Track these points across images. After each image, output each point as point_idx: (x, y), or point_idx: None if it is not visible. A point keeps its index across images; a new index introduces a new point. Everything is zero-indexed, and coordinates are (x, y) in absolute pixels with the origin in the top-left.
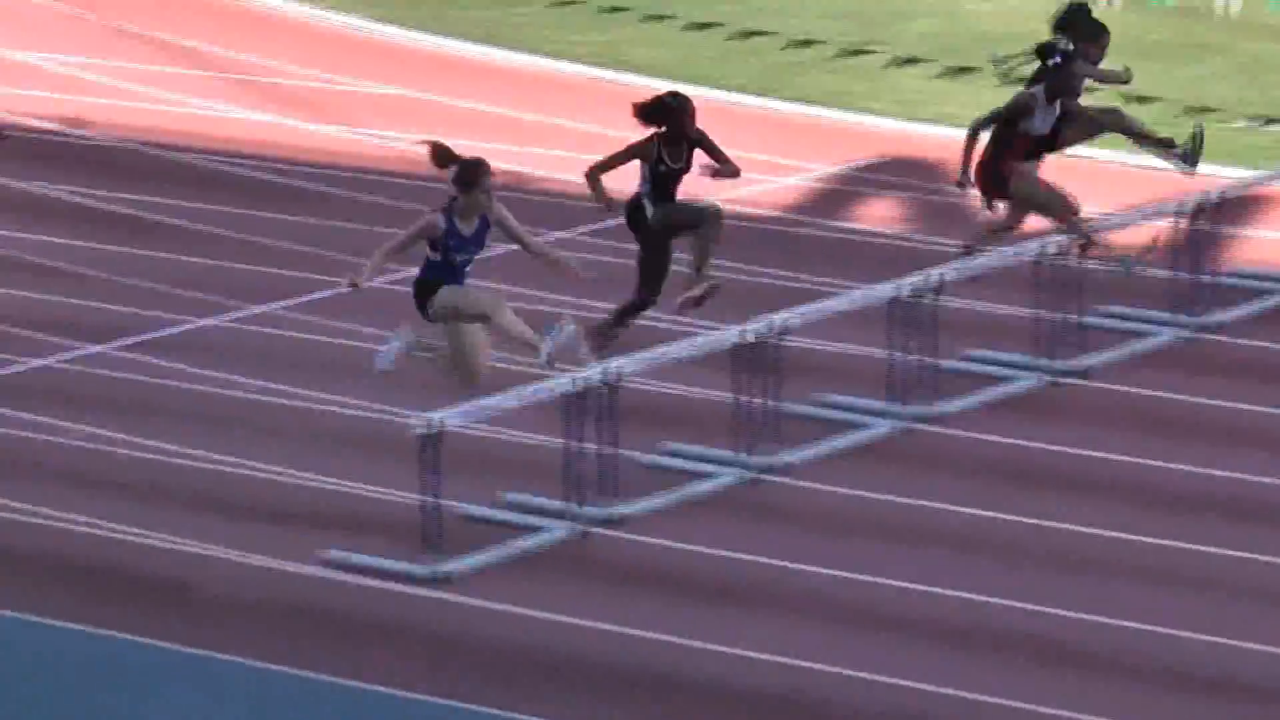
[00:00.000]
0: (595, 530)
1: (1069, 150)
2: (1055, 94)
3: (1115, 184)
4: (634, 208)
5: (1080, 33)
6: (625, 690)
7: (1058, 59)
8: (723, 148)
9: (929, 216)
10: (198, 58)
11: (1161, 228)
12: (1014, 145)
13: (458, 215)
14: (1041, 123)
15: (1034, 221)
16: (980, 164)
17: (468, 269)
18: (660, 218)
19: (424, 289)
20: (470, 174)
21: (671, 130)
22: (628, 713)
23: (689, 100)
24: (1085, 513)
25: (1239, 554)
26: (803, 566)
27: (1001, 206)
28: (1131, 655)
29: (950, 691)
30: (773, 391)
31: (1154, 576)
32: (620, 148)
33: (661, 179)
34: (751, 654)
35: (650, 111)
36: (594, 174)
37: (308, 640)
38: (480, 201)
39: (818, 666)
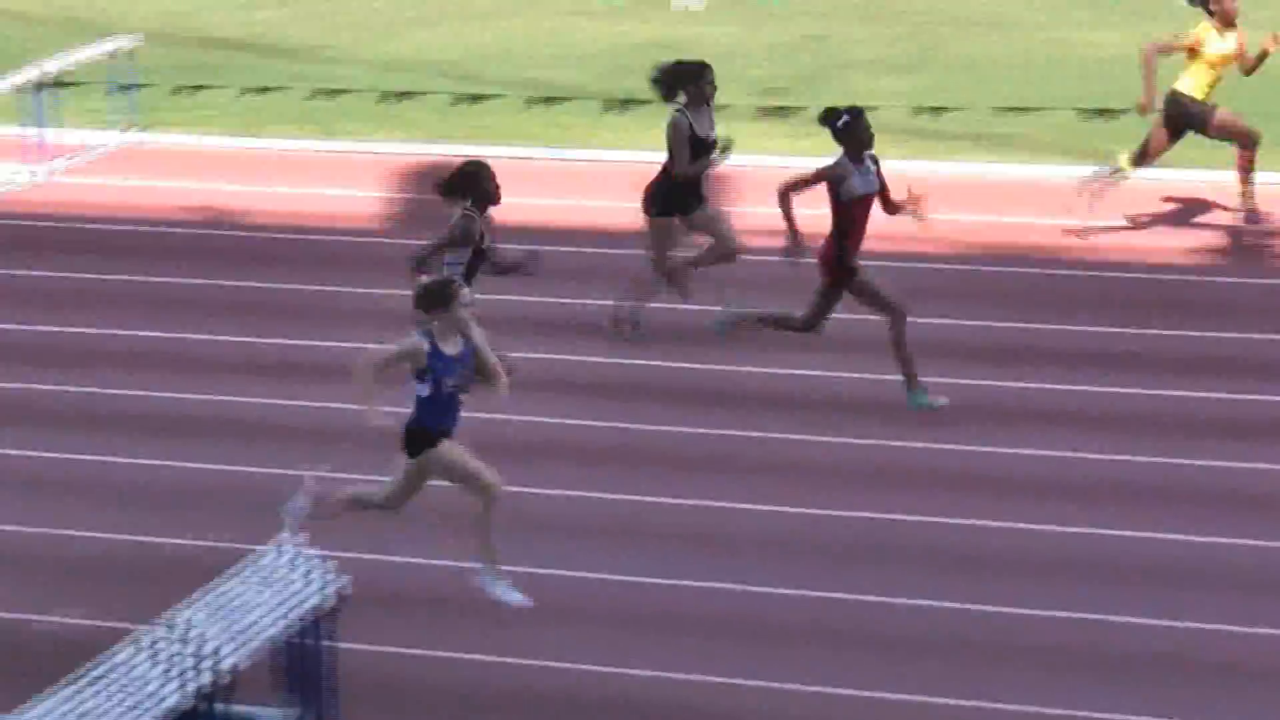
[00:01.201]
0: None
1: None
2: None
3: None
4: None
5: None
6: None
7: (846, 119)
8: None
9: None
10: None
11: None
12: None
13: (438, 337)
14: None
15: None
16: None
17: (460, 400)
18: None
19: (424, 439)
20: (447, 293)
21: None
22: None
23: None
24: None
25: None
26: None
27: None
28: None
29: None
30: None
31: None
32: None
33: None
34: None
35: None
36: None
37: None
38: (461, 319)
39: None
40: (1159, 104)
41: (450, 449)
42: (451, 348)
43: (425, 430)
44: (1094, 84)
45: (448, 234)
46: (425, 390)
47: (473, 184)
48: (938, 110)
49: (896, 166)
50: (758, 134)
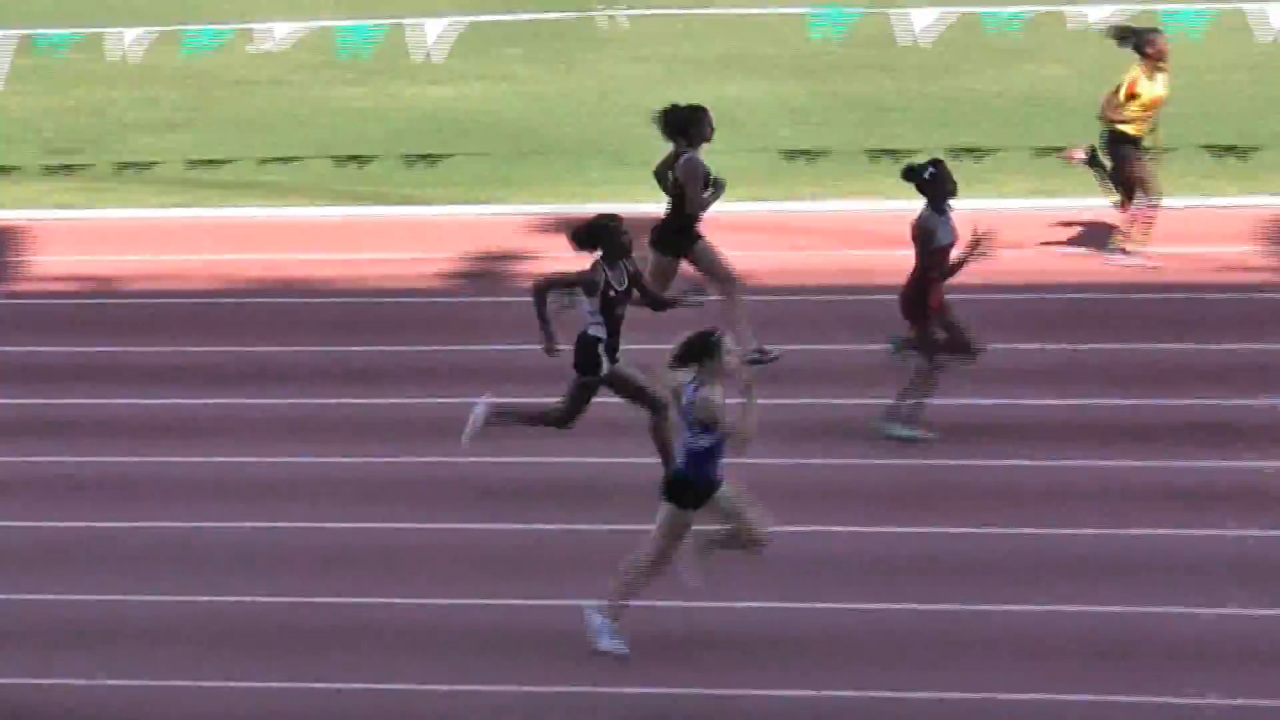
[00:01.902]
0: None
1: None
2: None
3: None
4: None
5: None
6: None
7: (932, 170)
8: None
9: None
10: None
11: None
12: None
13: (703, 387)
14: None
15: None
16: None
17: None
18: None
19: (701, 490)
20: (708, 345)
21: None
22: None
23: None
24: None
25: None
26: None
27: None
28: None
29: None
30: None
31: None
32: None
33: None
34: None
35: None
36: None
37: None
38: (728, 366)
39: None
40: (1083, 149)
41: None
42: (718, 396)
43: (707, 482)
44: (345, 135)
45: (575, 277)
46: (709, 441)
47: (604, 237)
48: (212, 163)
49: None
50: (50, 190)
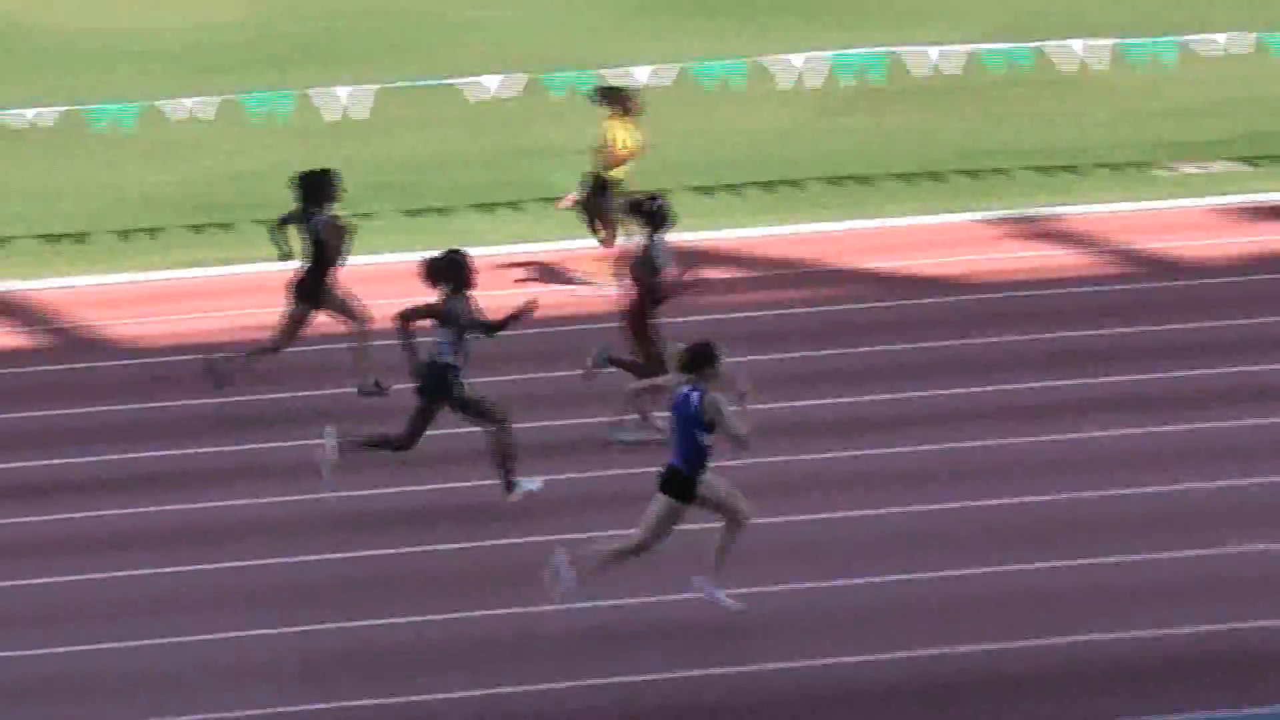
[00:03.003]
0: None
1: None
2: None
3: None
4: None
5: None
6: None
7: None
8: None
9: None
10: None
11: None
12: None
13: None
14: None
15: None
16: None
17: None
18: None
19: (691, 484)
20: (709, 354)
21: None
22: None
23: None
24: None
25: None
26: None
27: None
28: None
29: None
30: None
31: None
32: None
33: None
34: None
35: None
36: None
37: None
38: (724, 374)
39: None
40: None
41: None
42: (723, 401)
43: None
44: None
45: (433, 308)
46: (708, 441)
47: (455, 271)
48: None
49: None
50: None
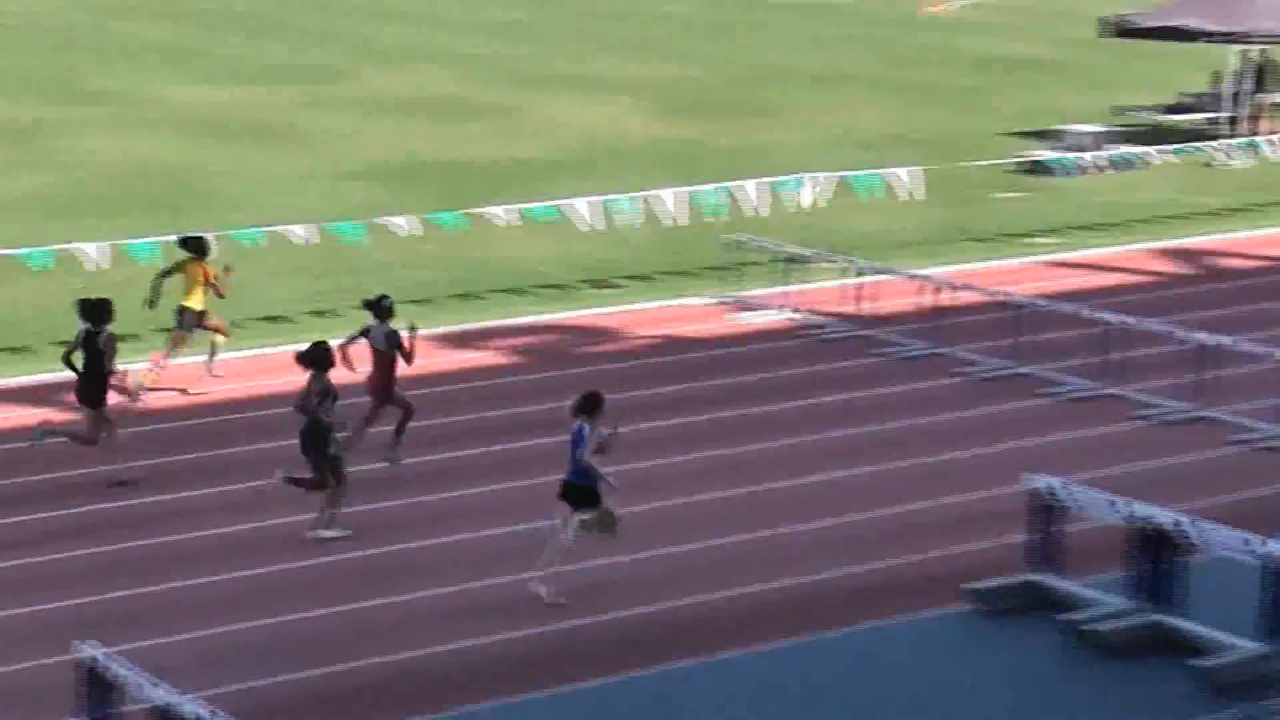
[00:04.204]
0: None
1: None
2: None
3: None
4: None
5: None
6: None
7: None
8: None
9: None
10: None
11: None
12: None
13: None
14: None
15: None
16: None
17: None
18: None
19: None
20: (598, 400)
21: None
22: None
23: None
24: None
25: None
26: None
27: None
28: None
29: None
30: None
31: None
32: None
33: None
34: None
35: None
36: None
37: None
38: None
39: None
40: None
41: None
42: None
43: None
44: None
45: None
46: (594, 462)
47: (322, 357)
48: None
49: None
50: None
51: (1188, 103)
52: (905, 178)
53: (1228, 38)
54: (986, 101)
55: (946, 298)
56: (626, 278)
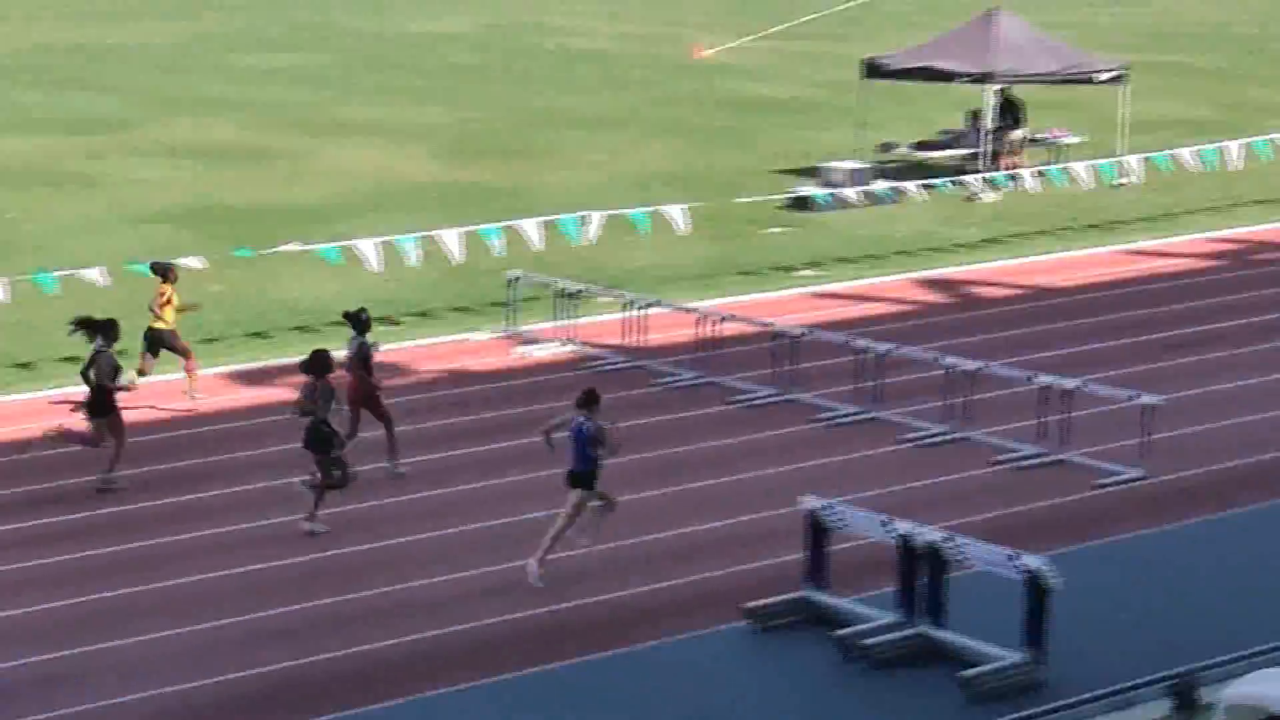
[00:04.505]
0: None
1: None
2: None
3: None
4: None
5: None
6: None
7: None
8: None
9: None
10: None
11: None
12: None
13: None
14: None
15: None
16: None
17: None
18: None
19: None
20: (595, 396)
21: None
22: None
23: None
24: None
25: None
26: None
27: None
28: None
29: None
30: None
31: None
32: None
33: None
34: None
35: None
36: None
37: None
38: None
39: None
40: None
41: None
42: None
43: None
44: None
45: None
46: (594, 452)
47: (323, 364)
48: None
49: None
50: None
51: (943, 140)
52: (677, 214)
53: (976, 78)
54: (753, 141)
55: (717, 329)
56: (412, 315)
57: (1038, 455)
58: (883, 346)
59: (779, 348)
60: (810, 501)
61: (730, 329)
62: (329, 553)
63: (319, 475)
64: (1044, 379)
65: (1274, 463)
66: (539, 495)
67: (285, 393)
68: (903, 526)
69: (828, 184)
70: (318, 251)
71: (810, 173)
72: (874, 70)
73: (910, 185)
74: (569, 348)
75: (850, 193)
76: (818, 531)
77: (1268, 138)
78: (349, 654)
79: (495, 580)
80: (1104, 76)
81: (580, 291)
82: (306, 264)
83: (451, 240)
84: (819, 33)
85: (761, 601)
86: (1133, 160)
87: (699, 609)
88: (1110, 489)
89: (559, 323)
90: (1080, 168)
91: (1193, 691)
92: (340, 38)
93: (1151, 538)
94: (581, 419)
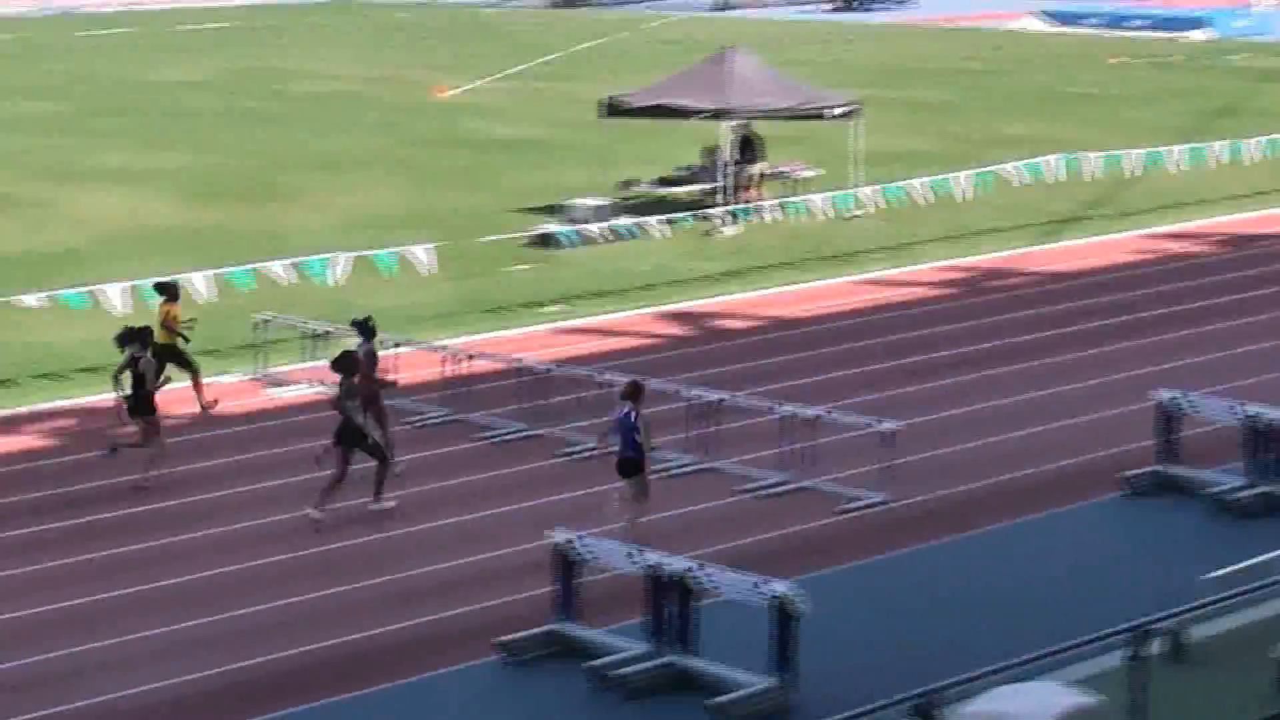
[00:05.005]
0: None
1: None
2: None
3: None
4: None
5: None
6: None
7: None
8: None
9: None
10: None
11: None
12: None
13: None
14: None
15: None
16: None
17: None
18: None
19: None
20: (640, 388)
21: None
22: None
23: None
24: None
25: None
26: None
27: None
28: None
29: None
30: None
31: None
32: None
33: None
34: None
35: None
36: None
37: None
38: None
39: None
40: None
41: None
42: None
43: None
44: None
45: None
46: (642, 440)
47: (352, 363)
48: None
49: None
50: None
51: (683, 175)
52: (422, 254)
53: (712, 114)
54: (496, 180)
55: (464, 367)
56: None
57: (782, 483)
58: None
59: (525, 384)
60: (558, 535)
61: (478, 366)
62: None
63: (343, 469)
64: (787, 408)
65: (1011, 484)
66: (280, 539)
67: (33, 440)
68: (650, 557)
69: (571, 221)
70: (61, 298)
71: (553, 210)
72: (613, 109)
73: (652, 220)
74: (318, 389)
75: (594, 228)
76: (567, 564)
77: (993, 169)
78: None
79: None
80: (837, 111)
81: (329, 332)
82: (53, 312)
83: (199, 282)
84: (557, 73)
85: (513, 635)
86: (867, 192)
87: (453, 645)
88: (854, 514)
89: (308, 364)
90: (818, 200)
91: (933, 710)
92: (82, 85)
93: (894, 560)
94: (628, 408)
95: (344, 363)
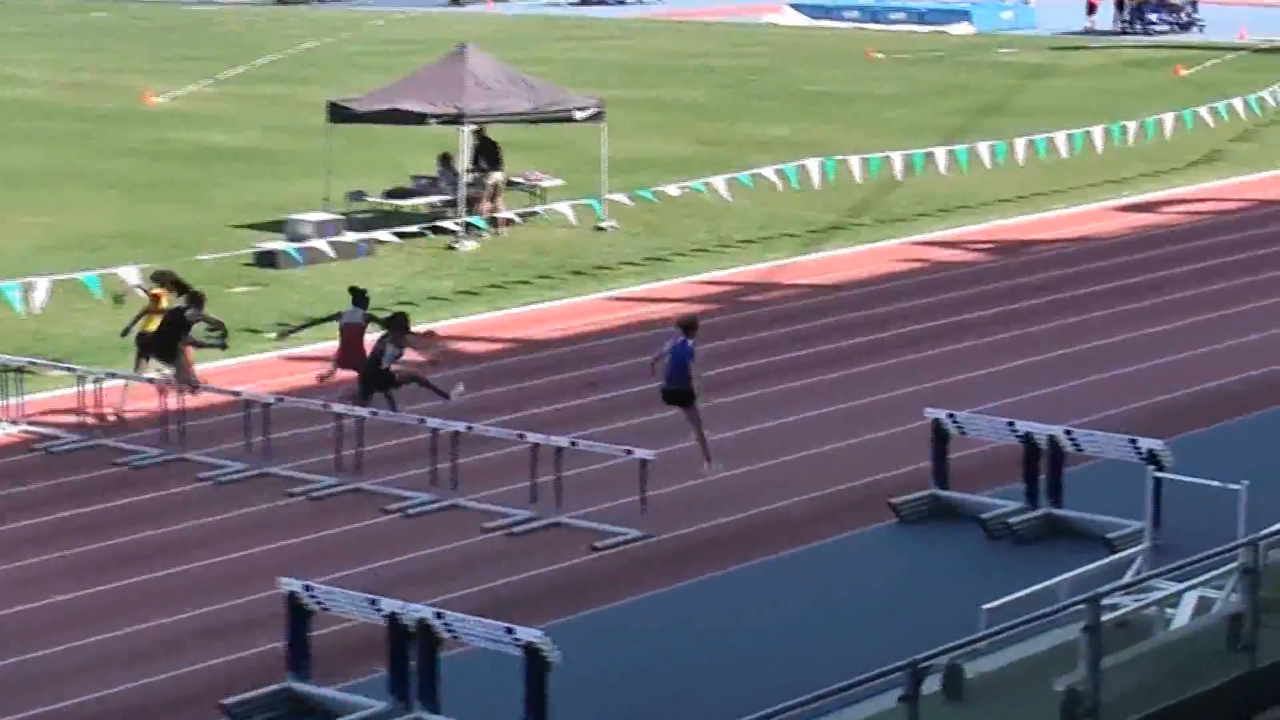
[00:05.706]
0: None
1: None
2: None
3: None
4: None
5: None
6: None
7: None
8: None
9: None
10: None
11: None
12: None
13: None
14: None
15: None
16: None
17: None
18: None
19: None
20: (695, 321)
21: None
22: None
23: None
24: None
25: None
26: None
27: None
28: None
29: None
30: None
31: None
32: None
33: None
34: None
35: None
36: None
37: None
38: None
39: None
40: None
41: None
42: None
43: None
44: None
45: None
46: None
47: (398, 321)
48: None
49: None
50: None
51: (417, 186)
52: (132, 276)
53: (448, 119)
54: (211, 194)
55: (185, 400)
56: None
57: (531, 519)
58: (363, 412)
59: (251, 417)
60: (289, 583)
61: (199, 400)
62: None
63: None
64: (534, 437)
65: (778, 513)
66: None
67: None
68: (389, 605)
69: (295, 238)
70: None
71: (275, 226)
72: (339, 114)
73: (384, 235)
74: (19, 429)
75: (322, 244)
76: (298, 616)
77: (751, 172)
78: None
79: None
80: (581, 114)
81: (26, 367)
82: None
83: None
84: (278, 75)
85: (241, 696)
86: (617, 200)
87: (179, 707)
88: (609, 551)
89: (4, 402)
90: (563, 210)
91: None
92: None
93: (653, 600)
94: (683, 338)
95: (394, 320)
